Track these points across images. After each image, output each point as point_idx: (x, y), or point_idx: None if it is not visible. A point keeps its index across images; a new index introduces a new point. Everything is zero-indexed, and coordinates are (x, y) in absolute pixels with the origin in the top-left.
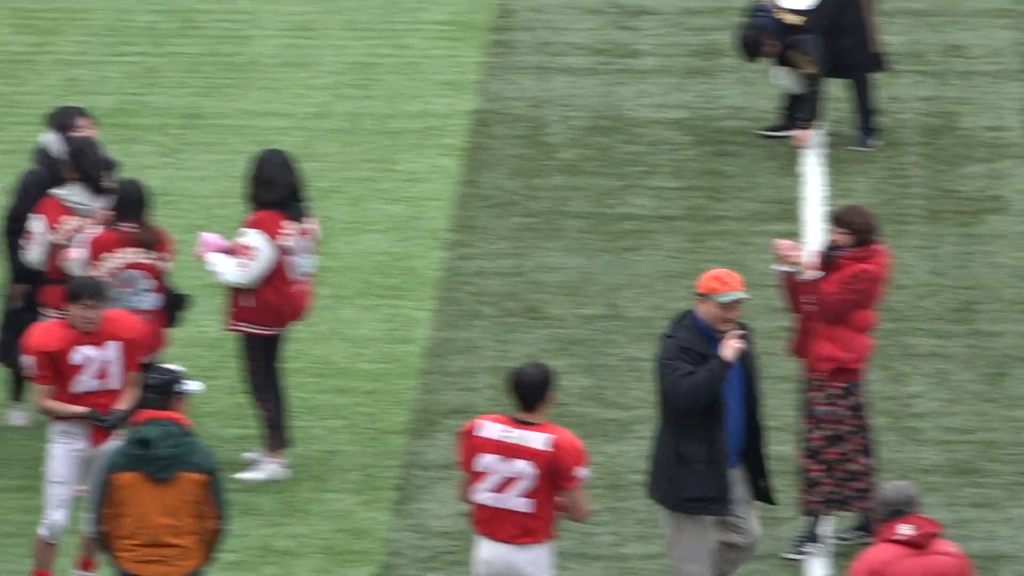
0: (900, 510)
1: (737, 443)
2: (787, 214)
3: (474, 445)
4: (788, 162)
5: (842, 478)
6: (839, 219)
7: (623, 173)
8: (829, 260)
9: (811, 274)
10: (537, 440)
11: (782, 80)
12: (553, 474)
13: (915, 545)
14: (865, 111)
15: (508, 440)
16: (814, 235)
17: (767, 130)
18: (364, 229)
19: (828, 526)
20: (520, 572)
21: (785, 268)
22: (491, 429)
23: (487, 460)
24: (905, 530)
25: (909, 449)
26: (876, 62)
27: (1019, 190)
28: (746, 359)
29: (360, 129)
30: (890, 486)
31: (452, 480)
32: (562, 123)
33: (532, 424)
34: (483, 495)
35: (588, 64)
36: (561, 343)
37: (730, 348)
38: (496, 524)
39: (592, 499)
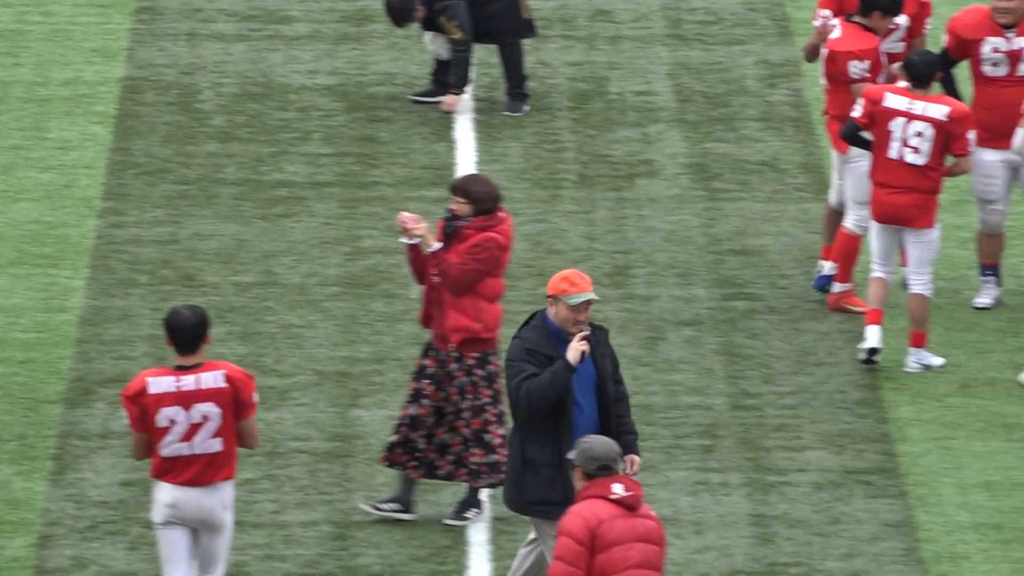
0: (608, 466)
1: None
2: (441, 179)
3: (149, 403)
4: (440, 127)
5: (468, 449)
6: (459, 189)
7: (276, 140)
8: (452, 231)
9: (435, 245)
10: (210, 379)
11: (432, 46)
12: (236, 406)
13: (627, 506)
14: (515, 76)
15: (184, 388)
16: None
17: (419, 96)
18: (16, 198)
19: (483, 493)
20: (210, 512)
21: (409, 240)
22: (162, 383)
23: (167, 412)
24: (618, 490)
25: None
26: (525, 27)
27: (670, 154)
28: (599, 361)
29: (9, 97)
30: (596, 441)
31: (110, 449)
32: (213, 90)
33: (198, 366)
34: (172, 447)
35: (238, 30)
36: (217, 310)
37: (574, 350)
38: (186, 469)
39: (251, 467)
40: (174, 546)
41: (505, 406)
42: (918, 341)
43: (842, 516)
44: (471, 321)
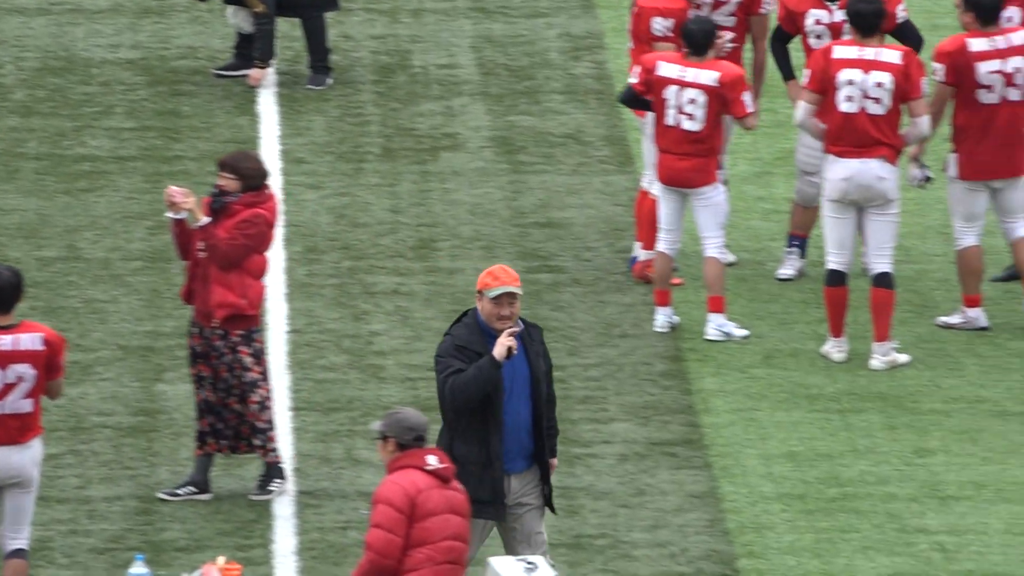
0: (422, 436)
1: (522, 447)
2: None
3: None
4: (244, 101)
5: (243, 424)
6: (228, 165)
7: (78, 114)
8: (220, 206)
9: (203, 220)
10: (29, 341)
11: (234, 19)
12: (49, 368)
13: (441, 478)
14: (318, 50)
15: (1, 348)
16: (271, 175)
17: (221, 70)
18: None
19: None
20: (20, 469)
21: (176, 215)
22: None
23: None
24: (433, 461)
25: (372, 387)
26: (327, 0)
27: (474, 127)
28: (532, 360)
29: None
30: (410, 411)
31: None
32: (14, 64)
33: (14, 327)
34: None
35: (39, 4)
36: None
37: (500, 346)
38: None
39: (54, 442)
40: None
41: (270, 384)
42: (716, 306)
43: (647, 487)
44: (237, 297)
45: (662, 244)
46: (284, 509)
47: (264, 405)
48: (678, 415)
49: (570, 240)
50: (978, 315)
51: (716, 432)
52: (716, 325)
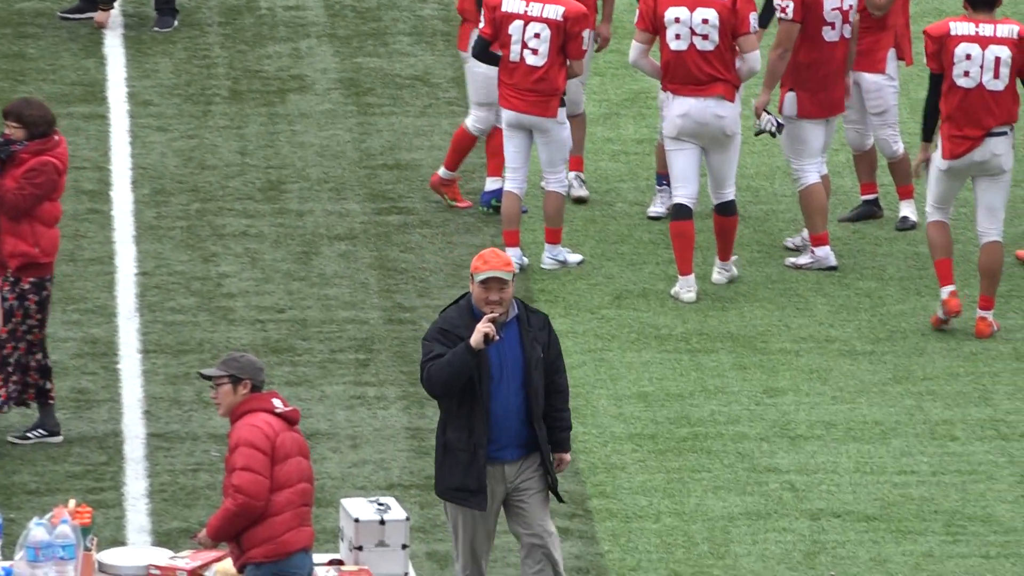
0: (263, 380)
1: (514, 436)
2: (91, 96)
3: None
4: (90, 44)
5: (29, 371)
6: (11, 113)
7: None
8: (7, 155)
9: None
10: None
11: None
12: None
13: (289, 420)
14: None
15: None
16: (118, 117)
17: (67, 12)
18: None
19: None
20: None
21: None
22: None
23: None
24: (279, 404)
25: (222, 329)
26: None
27: (321, 69)
28: (527, 347)
29: None
30: (249, 356)
31: None
32: None
33: None
34: None
35: None
36: None
37: (477, 332)
38: None
39: None
40: None
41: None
42: (552, 237)
43: None
44: (29, 246)
45: (509, 183)
46: (135, 452)
47: (32, 351)
48: None
49: (418, 182)
50: (826, 254)
51: (568, 373)
52: (551, 255)
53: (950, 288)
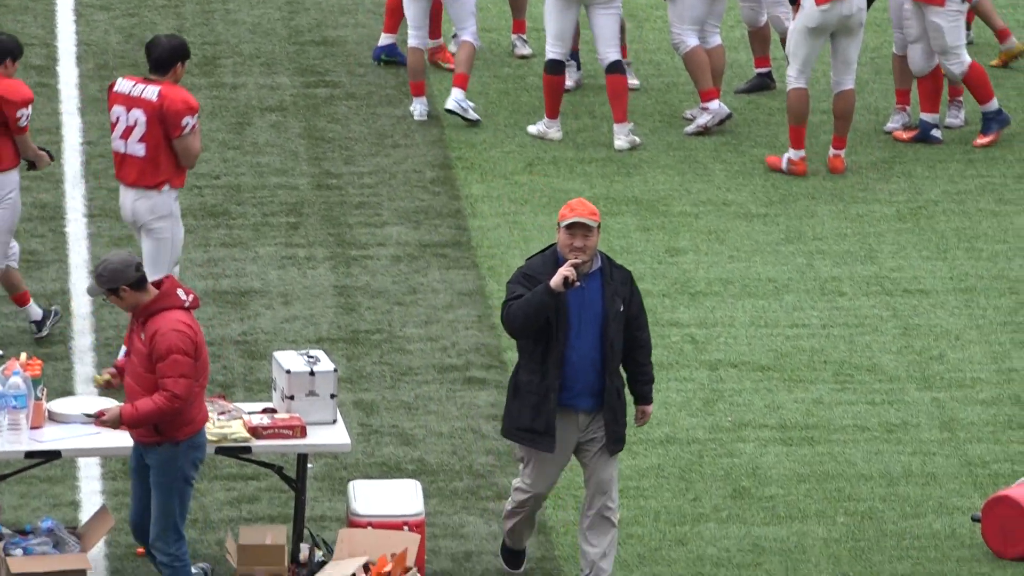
0: (139, 264)
1: (588, 385)
2: None
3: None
4: None
5: None
6: None
7: None
8: None
9: None
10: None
11: None
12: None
13: (193, 308)
14: None
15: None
16: None
17: None
18: None
19: None
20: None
21: None
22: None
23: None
24: (183, 294)
25: None
26: None
27: None
28: (607, 299)
29: None
30: (110, 258)
31: None
32: None
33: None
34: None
35: None
36: None
37: (558, 275)
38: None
39: None
40: None
41: None
42: (459, 82)
43: (419, 286)
44: None
45: (412, 40)
46: (82, 308)
47: None
48: (447, 219)
49: (343, 57)
50: (719, 106)
51: (483, 235)
52: (456, 99)
53: (801, 153)
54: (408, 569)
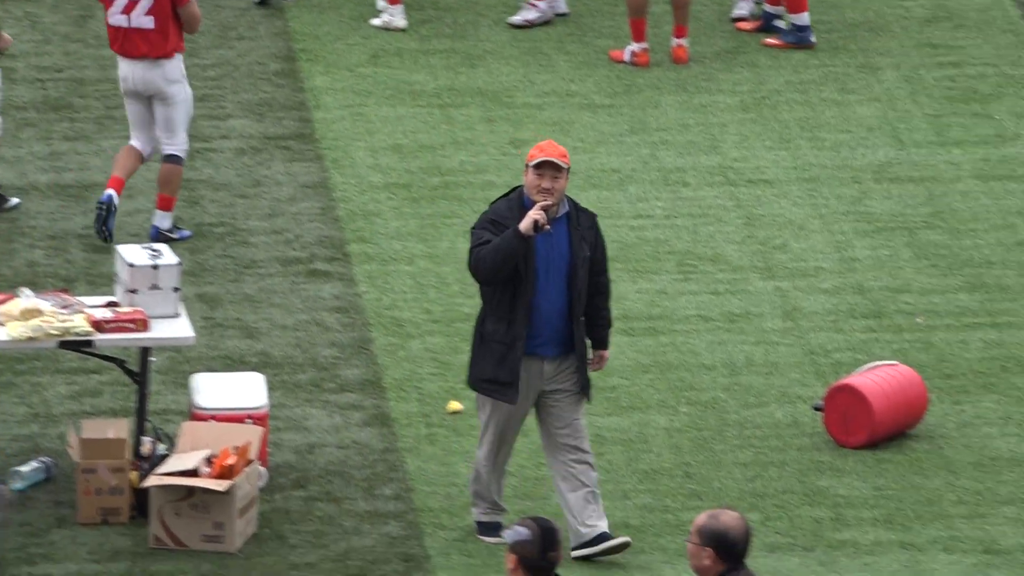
0: None
1: (555, 332)
2: None
3: None
4: None
5: None
6: None
7: None
8: None
9: None
10: None
11: None
12: None
13: None
14: None
15: None
16: None
17: None
18: None
19: None
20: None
21: None
22: None
23: None
24: None
25: (6, 88)
26: None
27: None
28: (574, 245)
29: None
30: None
31: None
32: None
33: None
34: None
35: None
36: None
37: (527, 218)
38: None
39: None
40: None
41: None
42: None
43: (263, 179)
44: None
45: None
46: None
47: None
48: (291, 111)
49: None
50: (549, 6)
51: (327, 127)
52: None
53: (644, 45)
54: (250, 461)
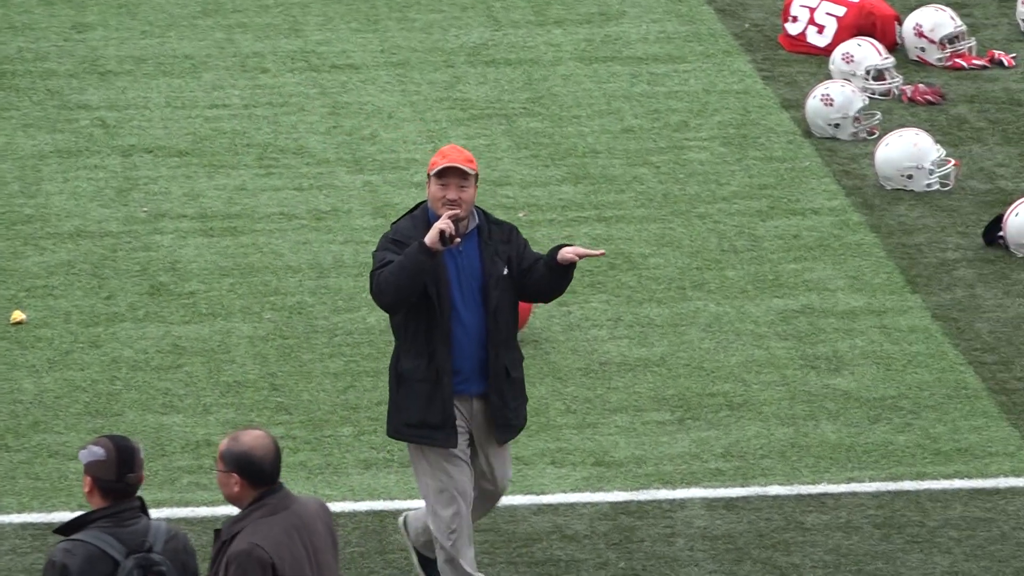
0: None
1: (477, 364)
2: None
3: None
4: None
5: None
6: None
7: None
8: None
9: None
10: None
11: None
12: None
13: None
14: None
15: None
16: None
17: None
18: None
19: None
20: None
21: None
22: None
23: None
24: None
25: None
26: None
27: None
28: (486, 262)
29: None
30: None
31: None
32: None
33: None
34: None
35: None
36: None
37: (432, 230)
38: None
39: None
40: None
41: None
42: None
43: None
44: None
45: None
46: None
47: None
48: None
49: None
50: None
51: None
52: None
53: None
54: None
